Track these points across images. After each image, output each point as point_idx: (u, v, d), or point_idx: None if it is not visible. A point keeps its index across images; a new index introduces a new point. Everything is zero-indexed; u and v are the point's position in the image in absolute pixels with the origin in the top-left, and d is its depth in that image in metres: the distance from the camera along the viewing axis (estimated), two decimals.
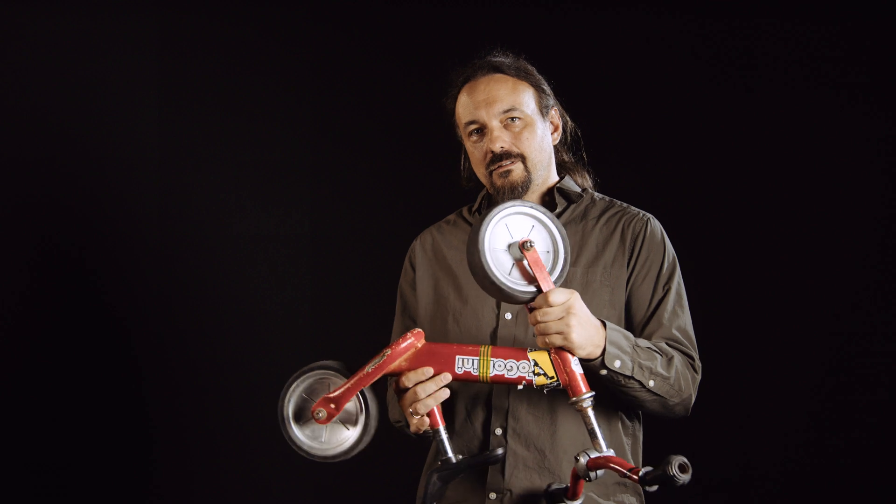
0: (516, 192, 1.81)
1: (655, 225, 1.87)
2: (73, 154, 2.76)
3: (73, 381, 2.72)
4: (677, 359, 1.72)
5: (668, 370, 1.69)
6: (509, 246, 1.55)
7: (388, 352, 1.55)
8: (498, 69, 1.84)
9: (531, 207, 1.58)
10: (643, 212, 1.89)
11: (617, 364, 1.61)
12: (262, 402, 2.85)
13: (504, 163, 1.80)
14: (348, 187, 2.91)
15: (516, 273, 1.54)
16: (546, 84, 1.88)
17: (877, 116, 2.72)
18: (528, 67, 1.87)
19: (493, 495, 1.74)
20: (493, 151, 1.80)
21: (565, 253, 1.56)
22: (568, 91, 1.92)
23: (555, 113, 1.90)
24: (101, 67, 2.78)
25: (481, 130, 1.82)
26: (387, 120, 2.89)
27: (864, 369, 2.70)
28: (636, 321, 1.81)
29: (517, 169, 1.81)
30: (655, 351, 1.69)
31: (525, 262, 1.54)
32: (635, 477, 1.38)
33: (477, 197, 1.96)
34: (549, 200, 1.89)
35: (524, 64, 1.87)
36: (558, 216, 1.86)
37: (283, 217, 2.90)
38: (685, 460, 1.34)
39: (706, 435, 2.44)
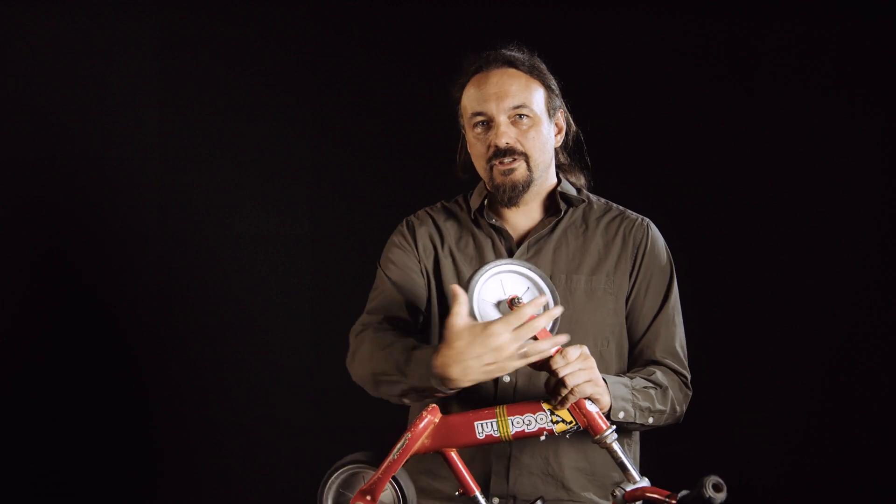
0: (517, 190, 1.78)
1: (655, 233, 1.86)
2: (74, 154, 2.76)
3: (73, 380, 2.72)
4: (671, 387, 1.74)
5: (664, 403, 1.72)
6: (499, 303, 1.54)
7: (409, 435, 1.55)
8: (511, 64, 1.80)
9: (528, 269, 1.57)
10: (641, 216, 1.88)
11: (621, 416, 1.63)
12: (263, 401, 2.86)
13: (506, 160, 1.77)
14: (348, 187, 2.91)
15: None
16: (556, 85, 1.85)
17: (877, 116, 2.72)
18: (541, 66, 1.84)
19: (496, 500, 1.74)
20: (496, 146, 1.76)
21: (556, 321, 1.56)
22: (567, 91, 1.91)
23: (560, 115, 1.87)
24: (101, 67, 2.77)
25: (487, 123, 1.78)
26: (387, 120, 2.88)
27: (865, 369, 2.69)
28: (634, 333, 1.81)
29: (520, 168, 1.78)
30: (651, 387, 1.71)
31: None
32: (673, 502, 1.39)
33: (473, 191, 1.92)
34: (549, 205, 1.87)
35: (538, 62, 1.84)
36: (559, 222, 1.85)
37: (283, 217, 2.90)
38: (719, 480, 1.36)
39: (705, 436, 2.44)
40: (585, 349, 1.54)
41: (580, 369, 1.51)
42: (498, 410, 1.55)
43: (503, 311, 1.53)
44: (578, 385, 1.51)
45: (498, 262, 1.57)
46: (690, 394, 1.80)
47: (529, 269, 1.58)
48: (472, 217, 1.89)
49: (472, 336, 1.47)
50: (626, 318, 1.80)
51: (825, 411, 2.70)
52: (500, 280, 1.56)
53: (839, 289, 2.71)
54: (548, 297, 1.56)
